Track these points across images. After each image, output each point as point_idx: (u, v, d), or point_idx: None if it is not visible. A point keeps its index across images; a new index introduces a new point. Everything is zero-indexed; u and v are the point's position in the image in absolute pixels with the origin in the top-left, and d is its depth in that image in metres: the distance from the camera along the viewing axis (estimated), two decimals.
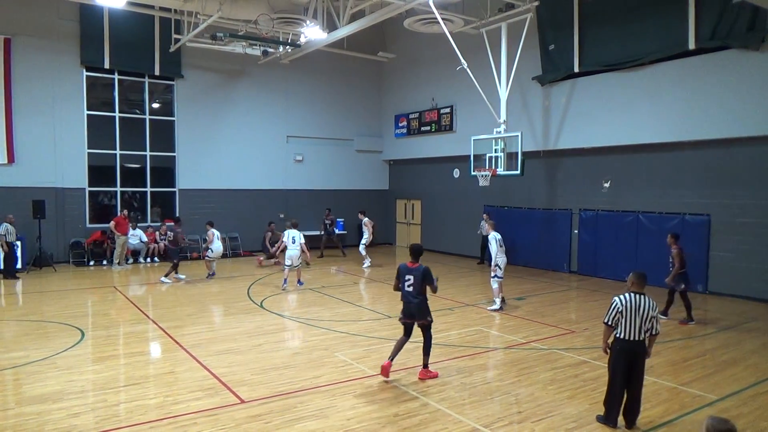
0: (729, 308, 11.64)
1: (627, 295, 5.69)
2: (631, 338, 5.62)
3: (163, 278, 14.13)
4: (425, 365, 7.21)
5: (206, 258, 14.69)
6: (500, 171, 14.73)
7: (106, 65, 17.12)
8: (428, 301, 7.23)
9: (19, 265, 15.00)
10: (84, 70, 17.05)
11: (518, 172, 14.32)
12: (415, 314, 7.14)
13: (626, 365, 5.65)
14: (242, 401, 6.36)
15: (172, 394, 6.55)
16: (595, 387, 6.91)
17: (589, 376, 7.34)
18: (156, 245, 17.61)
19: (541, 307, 11.63)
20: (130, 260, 17.13)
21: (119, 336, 9.32)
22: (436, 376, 7.15)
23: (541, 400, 6.50)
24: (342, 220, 21.26)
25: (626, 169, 14.86)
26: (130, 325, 9.98)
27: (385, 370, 7.00)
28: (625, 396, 5.75)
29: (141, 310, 11.03)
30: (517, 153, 14.26)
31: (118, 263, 16.53)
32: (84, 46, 16.86)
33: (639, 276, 5.78)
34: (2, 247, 14.39)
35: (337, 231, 20.32)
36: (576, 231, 16.07)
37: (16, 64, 16.00)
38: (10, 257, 14.60)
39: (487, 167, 14.97)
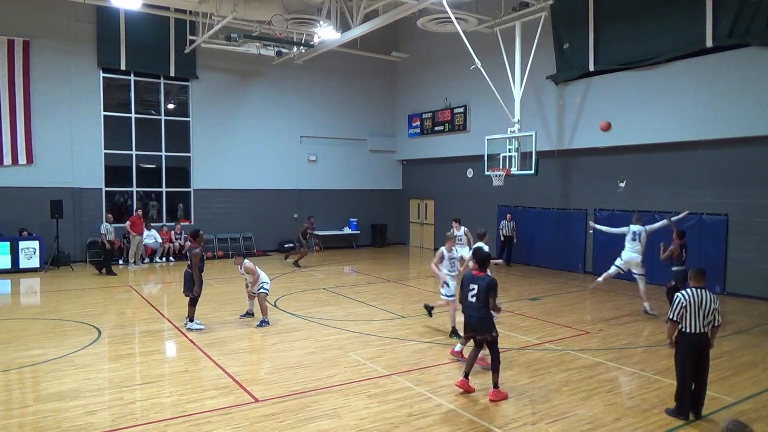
0: (747, 309, 11.47)
1: (690, 290, 5.91)
2: (696, 331, 5.85)
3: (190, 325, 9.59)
4: (496, 384, 6.51)
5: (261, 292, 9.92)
6: (514, 171, 14.66)
7: (123, 66, 17.33)
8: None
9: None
10: (101, 72, 17.25)
11: (532, 171, 14.26)
12: (476, 329, 6.58)
13: (694, 358, 5.90)
14: (256, 400, 6.39)
15: (187, 393, 6.61)
16: (610, 389, 6.86)
17: (604, 377, 7.28)
18: (171, 244, 17.77)
19: (556, 308, 11.56)
20: (146, 260, 17.31)
21: (135, 335, 9.42)
22: (506, 398, 6.45)
23: (556, 401, 6.46)
24: (355, 220, 21.30)
25: (642, 169, 14.70)
26: (145, 323, 10.07)
27: (464, 387, 6.57)
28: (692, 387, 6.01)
29: (156, 309, 11.14)
30: (531, 152, 14.20)
31: (134, 262, 16.72)
32: (101, 48, 17.07)
33: (697, 272, 6.05)
34: (103, 245, 15.16)
35: (350, 231, 20.28)
36: (591, 231, 15.90)
37: (35, 66, 16.23)
38: (110, 255, 15.36)
39: (501, 167, 14.90)
